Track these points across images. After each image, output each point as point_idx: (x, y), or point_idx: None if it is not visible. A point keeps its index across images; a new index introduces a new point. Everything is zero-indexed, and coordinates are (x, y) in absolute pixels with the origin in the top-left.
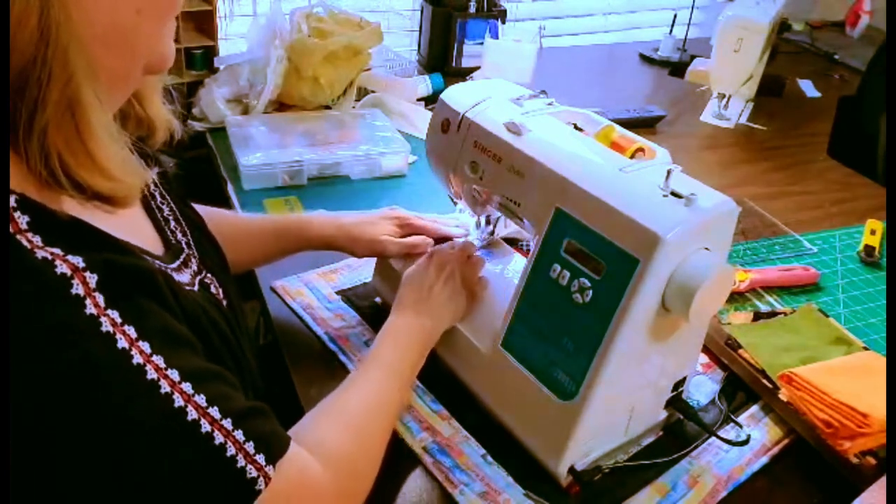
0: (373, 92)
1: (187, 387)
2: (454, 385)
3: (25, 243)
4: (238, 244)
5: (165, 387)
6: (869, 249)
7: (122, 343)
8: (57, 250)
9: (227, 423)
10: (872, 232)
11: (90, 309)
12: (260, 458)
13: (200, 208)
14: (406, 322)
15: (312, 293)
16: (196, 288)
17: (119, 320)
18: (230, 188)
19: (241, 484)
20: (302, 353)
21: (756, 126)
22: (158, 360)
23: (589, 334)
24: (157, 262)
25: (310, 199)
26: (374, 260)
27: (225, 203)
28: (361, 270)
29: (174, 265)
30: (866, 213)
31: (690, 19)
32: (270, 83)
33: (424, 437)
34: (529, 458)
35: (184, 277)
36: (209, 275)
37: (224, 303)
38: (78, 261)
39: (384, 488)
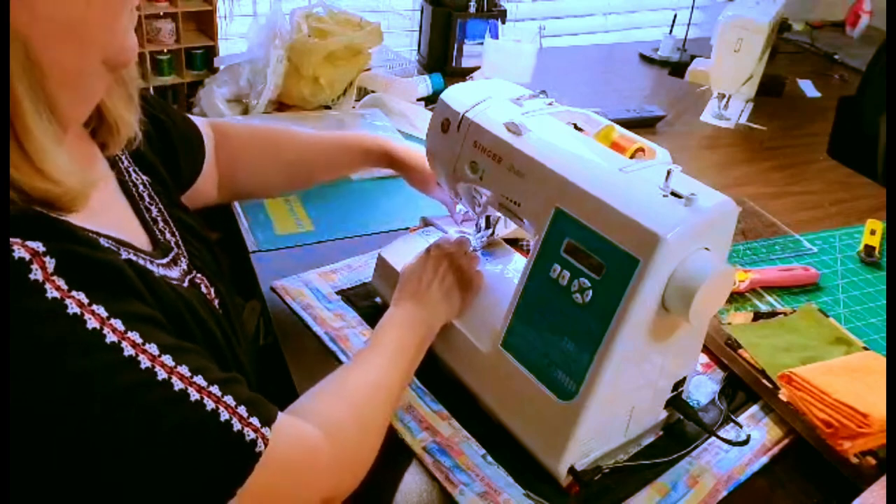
0: (373, 92)
1: (168, 359)
2: (454, 385)
3: None
4: (298, 161)
5: (146, 361)
6: (869, 249)
7: (93, 323)
8: (16, 238)
9: (215, 390)
10: (872, 232)
11: (52, 293)
12: (255, 421)
13: (249, 126)
14: (405, 313)
15: (312, 293)
16: (186, 284)
17: (86, 301)
18: None
19: (241, 447)
20: (302, 353)
21: (756, 126)
22: (134, 335)
23: (589, 334)
24: (141, 255)
25: (310, 199)
26: (374, 260)
27: (225, 203)
28: (361, 270)
29: (163, 261)
30: (866, 213)
31: (690, 19)
32: (270, 83)
33: (424, 436)
34: (529, 458)
35: (172, 273)
36: (199, 275)
37: (216, 302)
38: (37, 245)
39: (384, 488)
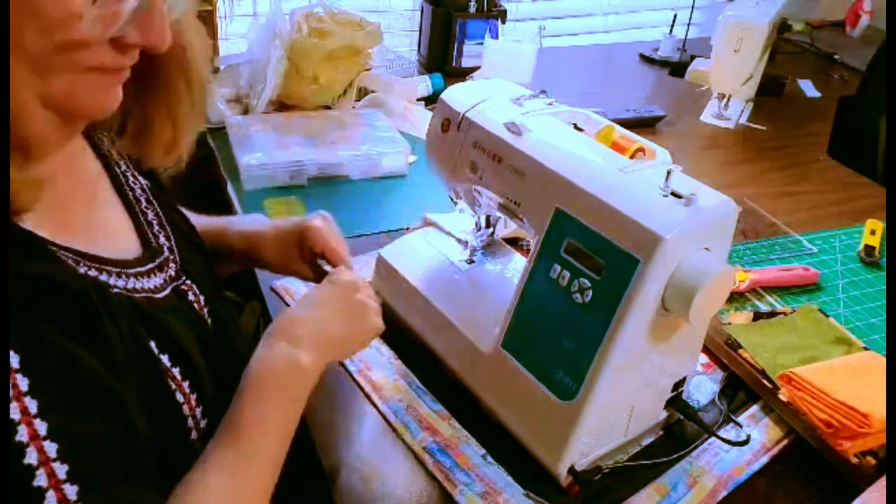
0: (373, 92)
1: (70, 490)
2: (454, 385)
3: None
4: None
5: (43, 479)
6: (869, 249)
7: (23, 436)
8: None
9: None
10: (872, 232)
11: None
12: None
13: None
14: (289, 362)
15: None
16: (167, 292)
17: (34, 412)
18: (230, 188)
19: None
20: None
21: (756, 126)
22: (37, 420)
23: (589, 334)
24: (106, 269)
25: (310, 199)
26: (374, 260)
27: (225, 203)
28: (361, 270)
29: (143, 269)
30: (866, 213)
31: (690, 19)
32: (270, 83)
33: (424, 436)
34: (529, 458)
35: (150, 282)
36: (188, 281)
37: (206, 310)
38: (15, 362)
39: (384, 488)
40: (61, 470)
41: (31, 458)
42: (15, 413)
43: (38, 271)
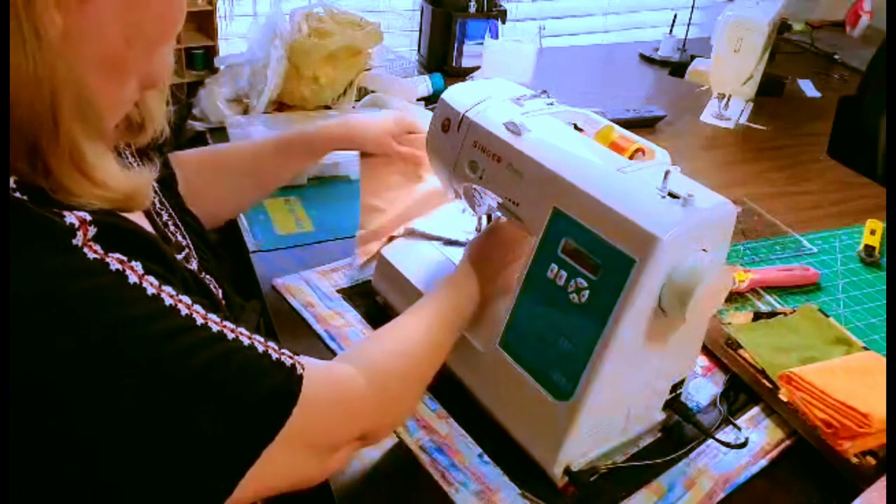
0: (373, 92)
1: (199, 308)
2: (451, 383)
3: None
4: (244, 174)
5: (184, 309)
6: (869, 249)
7: (133, 278)
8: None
9: (244, 331)
10: (872, 232)
11: (91, 255)
12: (287, 352)
13: (196, 151)
14: (472, 283)
15: (313, 291)
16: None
17: (125, 258)
18: None
19: (285, 370)
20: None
21: (756, 126)
22: (168, 289)
23: (585, 334)
24: None
25: (310, 199)
26: (375, 259)
27: None
28: (362, 269)
29: (179, 256)
30: (866, 213)
31: (690, 19)
32: (270, 83)
33: (421, 435)
34: (526, 457)
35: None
36: (208, 276)
37: (223, 304)
38: (84, 215)
39: (379, 485)
40: (186, 298)
41: (169, 301)
42: (151, 289)
43: (131, 227)
